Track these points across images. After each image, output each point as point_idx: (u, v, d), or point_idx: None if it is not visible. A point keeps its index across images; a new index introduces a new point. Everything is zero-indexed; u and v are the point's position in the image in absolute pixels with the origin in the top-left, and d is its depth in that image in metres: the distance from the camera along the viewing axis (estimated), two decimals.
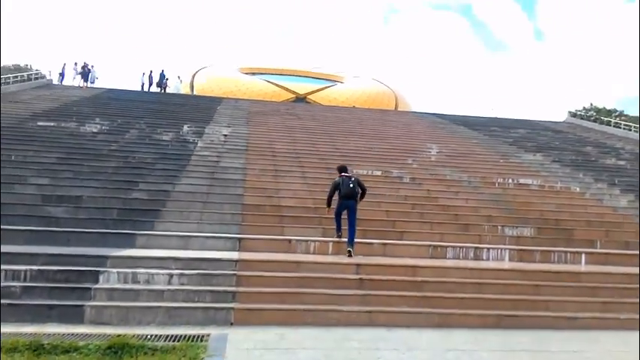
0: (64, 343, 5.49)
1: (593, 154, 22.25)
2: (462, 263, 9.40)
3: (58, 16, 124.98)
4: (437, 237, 10.99)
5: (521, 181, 16.34)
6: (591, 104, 36.75)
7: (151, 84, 32.96)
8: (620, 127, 29.93)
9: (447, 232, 11.36)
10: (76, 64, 31.24)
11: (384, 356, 5.90)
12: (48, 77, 32.16)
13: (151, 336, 6.02)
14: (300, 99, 45.25)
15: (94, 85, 30.87)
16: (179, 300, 7.01)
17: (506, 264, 9.81)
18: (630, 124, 30.11)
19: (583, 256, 10.35)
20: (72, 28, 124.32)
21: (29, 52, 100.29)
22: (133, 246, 8.90)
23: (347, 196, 9.68)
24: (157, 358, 5.24)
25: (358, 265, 8.42)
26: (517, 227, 12.04)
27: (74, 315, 6.57)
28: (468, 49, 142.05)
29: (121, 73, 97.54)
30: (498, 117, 32.87)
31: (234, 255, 8.48)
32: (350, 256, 9.08)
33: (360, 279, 8.01)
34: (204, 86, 46.98)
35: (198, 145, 17.79)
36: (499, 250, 10.27)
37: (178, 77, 35.30)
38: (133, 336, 5.75)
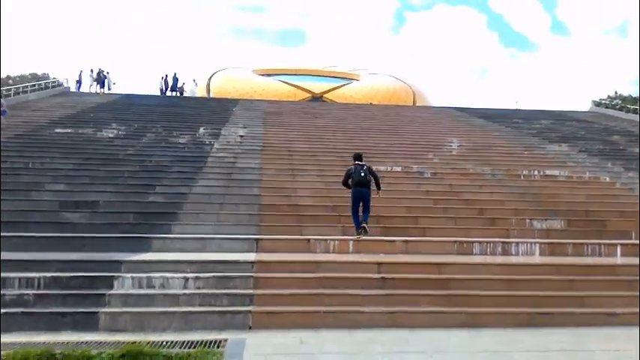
0: (76, 352, 5.27)
1: (621, 143, 21.49)
2: (489, 259, 8.98)
3: (75, 23, 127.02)
4: (462, 232, 10.57)
5: (548, 172, 15.84)
6: (616, 92, 35.73)
7: (167, 88, 33.05)
8: None
9: (473, 227, 10.94)
10: (92, 70, 31.44)
11: None
12: (65, 85, 32.44)
13: (167, 342, 5.78)
14: (317, 98, 44.95)
15: (111, 92, 31.02)
16: (195, 304, 6.77)
17: (537, 258, 9.34)
18: None
19: (618, 247, 9.83)
20: (89, 35, 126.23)
21: (46, 60, 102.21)
22: (149, 250, 8.71)
23: (359, 184, 9.77)
24: None
25: (380, 263, 8.06)
26: (546, 220, 11.54)
27: (88, 322, 6.38)
28: (486, 43, 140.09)
29: (141, 79, 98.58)
30: (520, 109, 32.12)
31: (252, 256, 8.21)
32: (365, 231, 9.43)
33: (382, 278, 7.65)
34: (221, 89, 47.08)
35: (215, 146, 17.67)
36: (528, 245, 9.80)
37: (194, 81, 35.34)
38: (148, 343, 5.52)
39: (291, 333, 6.29)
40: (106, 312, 6.48)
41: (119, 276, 7.10)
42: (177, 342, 5.82)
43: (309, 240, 9.42)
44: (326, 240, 9.44)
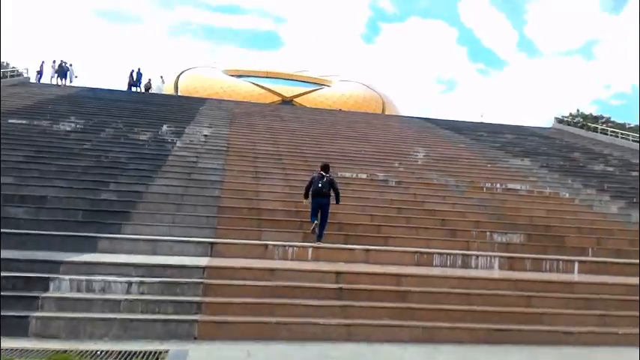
0: None
1: (581, 160, 21.95)
2: (449, 271, 8.81)
3: (40, 13, 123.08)
4: (423, 243, 10.45)
5: (510, 186, 15.93)
6: (578, 110, 36.51)
7: (133, 84, 32.14)
8: (607, 134, 29.74)
9: (434, 237, 10.84)
10: (54, 61, 30.25)
11: None
12: (25, 75, 31.08)
13: (101, 352, 5.34)
14: (287, 102, 44.58)
15: (73, 84, 29.91)
16: (137, 311, 6.31)
17: (496, 273, 9.24)
18: (617, 130, 29.90)
19: (576, 264, 9.84)
20: (55, 25, 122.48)
21: (7, 49, 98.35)
22: (94, 250, 8.19)
23: (317, 194, 10.10)
24: None
25: (338, 273, 7.76)
26: (506, 233, 11.55)
27: (18, 327, 5.85)
28: (456, 57, 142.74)
29: (108, 74, 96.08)
30: (485, 122, 32.55)
31: (204, 261, 7.79)
32: (319, 239, 9.79)
33: (340, 288, 7.37)
34: (189, 87, 46.21)
35: (177, 145, 17.10)
36: (488, 258, 9.72)
37: (161, 77, 34.45)
38: (79, 353, 5.07)
39: (239, 345, 5.92)
40: (37, 316, 5.97)
41: (56, 278, 6.57)
42: (113, 352, 5.38)
43: (266, 246, 9.07)
44: (284, 246, 9.11)
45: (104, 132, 17.86)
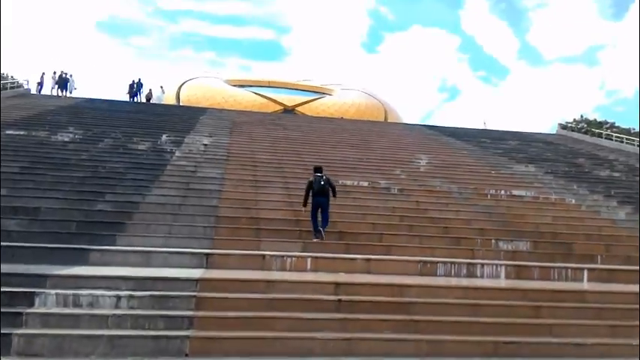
0: None
1: (586, 166, 21.60)
2: (454, 281, 8.49)
3: (42, 25, 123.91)
4: (426, 251, 10.12)
5: (514, 192, 15.63)
6: (582, 116, 36.18)
7: (134, 94, 32.04)
8: (612, 139, 29.38)
9: (438, 246, 10.51)
10: (54, 72, 30.18)
11: None
12: (26, 87, 31.02)
13: None
14: (289, 111, 44.44)
15: (73, 95, 29.81)
16: (126, 327, 6.01)
17: (503, 282, 8.91)
18: (622, 135, 29.54)
19: (585, 272, 9.48)
20: (57, 37, 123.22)
21: (7, 60, 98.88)
22: (84, 263, 7.90)
23: (318, 193, 10.48)
24: None
25: (337, 284, 7.43)
26: (512, 241, 11.22)
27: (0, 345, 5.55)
28: (457, 65, 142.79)
29: (110, 86, 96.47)
30: (488, 129, 32.27)
31: (197, 273, 7.48)
32: (322, 237, 10.10)
33: (339, 300, 7.03)
34: (191, 97, 46.13)
35: (176, 154, 16.89)
36: (494, 266, 9.38)
37: (161, 87, 34.32)
38: None
39: None
40: (20, 334, 5.67)
41: (42, 292, 6.28)
42: None
43: (264, 256, 8.77)
44: (283, 256, 8.80)
45: (102, 142, 17.66)
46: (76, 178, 13.10)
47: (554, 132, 33.62)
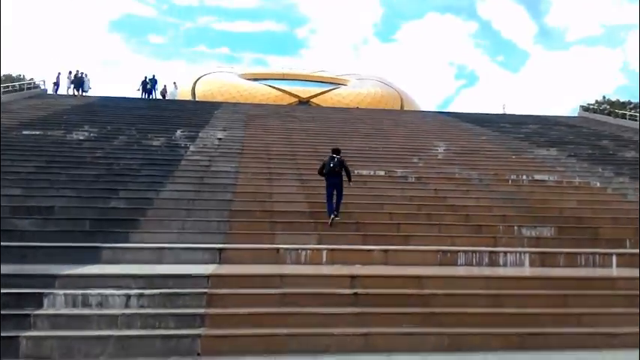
0: None
1: (610, 148, 20.93)
2: (475, 271, 8.16)
3: (57, 26, 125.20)
4: (446, 241, 9.80)
5: (537, 177, 15.17)
6: (604, 97, 35.21)
7: (145, 91, 32.05)
8: (636, 120, 28.44)
9: (458, 234, 10.17)
10: (70, 72, 30.34)
11: None
12: (42, 87, 31.28)
13: None
14: (304, 103, 44.14)
15: (89, 94, 29.95)
16: (136, 327, 5.84)
17: (527, 270, 8.54)
18: None
19: (614, 258, 9.07)
20: (71, 37, 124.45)
21: (24, 62, 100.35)
22: (96, 261, 7.78)
23: (330, 174, 10.60)
24: None
25: (353, 277, 7.16)
26: (536, 227, 10.81)
27: (8, 348, 5.43)
28: (475, 50, 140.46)
29: (127, 84, 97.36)
30: (508, 114, 31.56)
31: (209, 269, 7.28)
32: (336, 216, 10.27)
33: (355, 294, 6.76)
34: (206, 92, 46.16)
35: (190, 149, 16.79)
36: (517, 254, 9.02)
37: (174, 83, 34.36)
38: None
39: None
40: (28, 336, 5.54)
41: (50, 293, 6.15)
42: None
43: (278, 250, 8.55)
44: (297, 250, 8.57)
45: (117, 139, 17.65)
46: (91, 176, 13.05)
47: (576, 115, 32.72)
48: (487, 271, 8.11)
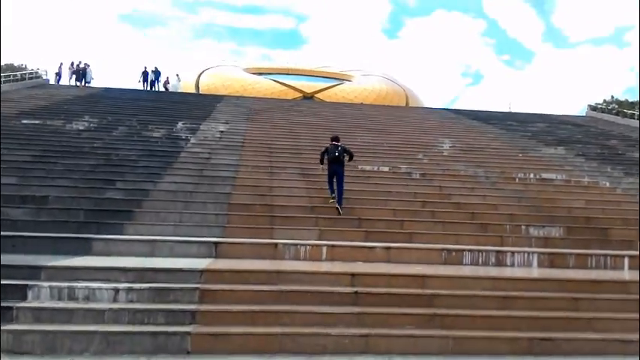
0: None
1: (619, 148, 20.53)
2: (481, 271, 7.82)
3: (59, 15, 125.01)
4: (451, 239, 9.48)
5: (544, 175, 14.86)
6: (612, 97, 34.76)
7: (146, 81, 31.76)
8: None
9: (463, 232, 9.85)
10: (72, 63, 30.08)
11: None
12: (45, 77, 31.03)
13: None
14: (308, 98, 43.70)
15: (91, 85, 29.69)
16: (123, 322, 5.53)
17: (536, 271, 8.19)
18: None
19: (626, 259, 8.73)
20: (73, 27, 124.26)
21: (26, 51, 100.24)
22: (86, 253, 7.49)
23: (332, 161, 10.85)
24: None
25: (354, 274, 6.83)
26: (544, 226, 10.50)
27: None
28: (481, 49, 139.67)
29: (129, 76, 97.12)
30: (514, 112, 31.15)
31: (203, 263, 6.97)
32: (339, 213, 10.33)
33: (356, 292, 6.44)
34: (210, 86, 45.77)
35: (191, 141, 16.51)
36: (525, 254, 8.67)
37: (177, 75, 34.03)
38: None
39: None
40: (9, 330, 5.23)
41: (35, 285, 5.85)
42: None
43: (276, 245, 8.23)
44: (296, 245, 8.26)
45: (117, 130, 17.40)
46: (88, 166, 12.80)
47: (584, 114, 32.28)
48: (494, 272, 7.77)
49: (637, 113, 26.77)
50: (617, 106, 32.51)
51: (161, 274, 6.33)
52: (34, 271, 6.15)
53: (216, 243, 8.07)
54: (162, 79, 33.05)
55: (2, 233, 7.73)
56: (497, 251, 8.73)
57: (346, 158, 11.02)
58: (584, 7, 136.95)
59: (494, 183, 13.74)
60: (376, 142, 17.96)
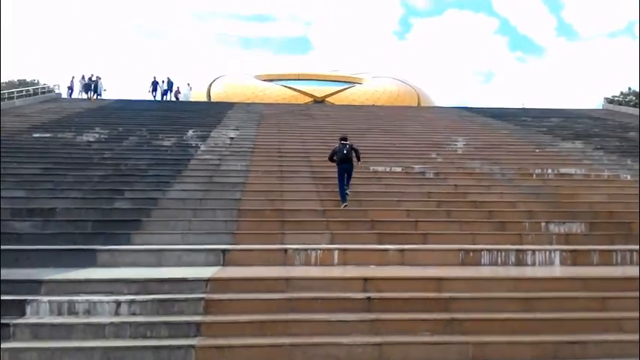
0: None
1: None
2: (501, 271, 7.47)
3: (70, 29, 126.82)
4: (468, 239, 9.13)
5: (562, 170, 14.43)
6: (629, 88, 33.93)
7: (155, 91, 31.87)
8: None
9: (480, 232, 9.48)
10: (83, 77, 30.28)
11: None
12: (57, 91, 31.29)
13: None
14: (319, 102, 43.51)
15: (102, 97, 29.85)
16: (124, 336, 5.31)
17: (558, 269, 7.81)
18: None
19: None
20: (85, 41, 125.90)
21: (39, 66, 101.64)
22: (91, 265, 7.30)
23: (342, 160, 11.02)
24: None
25: (366, 279, 6.52)
26: (564, 223, 10.09)
27: None
28: (492, 47, 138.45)
29: (141, 88, 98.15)
30: (528, 108, 30.58)
31: (209, 272, 6.73)
32: (346, 202, 10.68)
33: (368, 298, 6.13)
34: (221, 94, 45.81)
35: (201, 148, 16.40)
36: (546, 252, 8.29)
37: (188, 84, 34.11)
38: None
39: None
40: (7, 348, 5.03)
41: (34, 300, 5.65)
42: None
43: (286, 250, 7.97)
44: (307, 250, 7.98)
45: (127, 140, 17.37)
46: (97, 177, 12.71)
47: (601, 107, 31.58)
48: (514, 272, 7.40)
49: (638, 112, 26.03)
50: (634, 98, 31.70)
51: (165, 284, 6.10)
52: (34, 286, 5.96)
53: (224, 250, 7.84)
54: (174, 89, 33.14)
55: (7, 247, 7.60)
56: (517, 250, 8.36)
57: (354, 157, 11.17)
58: (595, 1, 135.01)
59: (511, 180, 13.35)
60: (388, 143, 17.67)
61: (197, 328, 5.47)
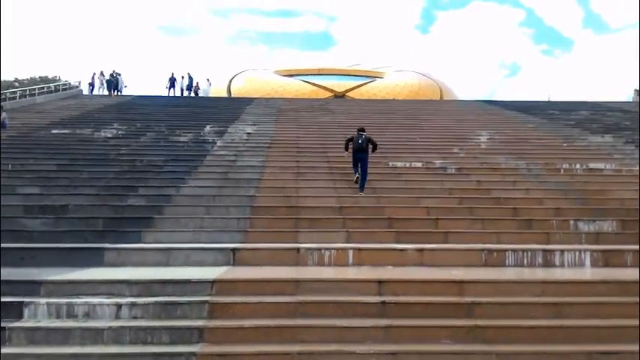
0: None
1: None
2: (527, 273, 7.00)
3: (93, 26, 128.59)
4: (492, 238, 8.65)
5: (592, 165, 13.80)
6: None
7: (173, 87, 31.89)
8: None
9: (505, 230, 9.02)
10: (102, 73, 30.43)
11: None
12: (78, 88, 31.54)
13: None
14: (339, 97, 43.09)
15: (122, 94, 29.96)
16: (123, 342, 5.02)
17: (589, 271, 7.31)
18: None
19: None
20: (107, 38, 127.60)
21: (60, 64, 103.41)
22: (98, 264, 7.08)
23: (357, 150, 11.55)
24: None
25: (380, 282, 6.12)
26: (594, 221, 9.56)
27: None
28: (517, 39, 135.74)
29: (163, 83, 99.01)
30: (555, 101, 29.65)
31: (215, 273, 6.41)
32: (362, 188, 11.15)
33: (383, 302, 5.74)
34: (241, 90, 45.78)
35: (217, 144, 16.23)
36: (576, 253, 7.77)
37: (207, 80, 34.03)
38: None
39: None
40: (1, 354, 4.80)
41: (32, 302, 5.42)
42: None
43: (298, 249, 7.63)
44: (320, 249, 7.62)
45: (144, 136, 17.30)
46: (112, 173, 12.62)
47: (631, 99, 30.43)
48: (541, 274, 6.93)
49: (638, 111, 24.90)
50: None
51: (169, 286, 5.80)
52: (34, 287, 5.73)
53: (234, 249, 7.54)
54: (194, 84, 33.14)
55: (12, 246, 7.43)
56: (544, 250, 7.86)
57: (370, 148, 11.59)
58: None
59: (538, 175, 12.78)
60: (408, 137, 17.24)
61: (200, 334, 5.15)
